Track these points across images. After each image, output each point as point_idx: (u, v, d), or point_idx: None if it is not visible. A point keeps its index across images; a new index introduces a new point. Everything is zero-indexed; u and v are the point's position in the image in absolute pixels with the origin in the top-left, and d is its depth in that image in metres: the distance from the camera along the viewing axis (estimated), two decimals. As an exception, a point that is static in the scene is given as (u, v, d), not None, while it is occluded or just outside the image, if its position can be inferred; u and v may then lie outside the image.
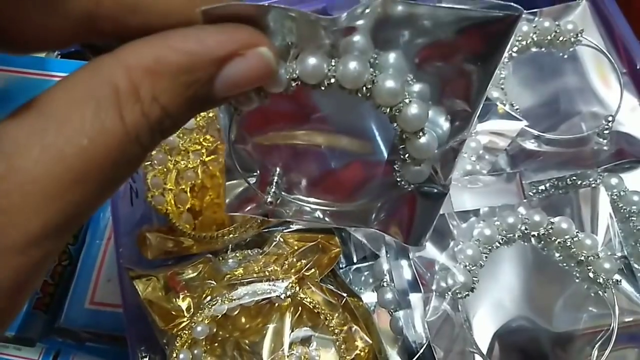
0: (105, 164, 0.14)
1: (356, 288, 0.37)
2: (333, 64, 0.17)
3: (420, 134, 0.18)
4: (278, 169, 0.25)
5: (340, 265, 0.38)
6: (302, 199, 0.25)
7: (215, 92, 0.16)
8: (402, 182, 0.21)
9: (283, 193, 0.24)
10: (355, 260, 0.38)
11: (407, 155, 0.19)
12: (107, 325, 0.42)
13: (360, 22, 0.17)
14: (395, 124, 0.18)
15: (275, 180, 0.24)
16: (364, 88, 0.17)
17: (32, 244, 0.14)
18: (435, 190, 0.22)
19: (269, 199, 0.24)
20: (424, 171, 0.20)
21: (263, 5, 0.16)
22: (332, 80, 0.17)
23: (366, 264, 0.38)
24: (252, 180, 0.25)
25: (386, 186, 0.22)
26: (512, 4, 0.16)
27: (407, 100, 0.18)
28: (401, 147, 0.19)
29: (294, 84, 0.17)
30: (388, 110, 0.18)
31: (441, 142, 0.19)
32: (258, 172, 0.25)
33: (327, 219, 0.26)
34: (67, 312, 0.42)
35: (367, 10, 0.17)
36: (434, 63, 0.18)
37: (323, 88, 0.17)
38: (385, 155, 0.24)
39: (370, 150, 0.24)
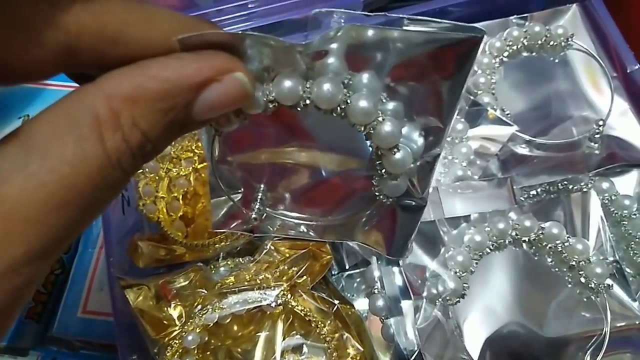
0: (87, 189, 0.15)
1: (348, 295, 0.37)
2: (308, 86, 0.18)
3: (395, 150, 0.19)
4: (262, 186, 0.25)
5: (332, 272, 0.38)
6: (286, 214, 0.26)
7: (194, 116, 0.16)
8: (381, 196, 0.21)
9: (267, 209, 0.25)
10: (347, 267, 0.38)
11: (383, 170, 0.20)
12: (100, 334, 0.42)
13: (333, 45, 0.18)
14: (370, 142, 0.19)
15: (259, 197, 0.24)
16: (339, 108, 0.18)
17: (15, 270, 0.14)
18: (414, 203, 0.22)
19: (254, 215, 0.24)
20: (400, 185, 0.21)
21: (238, 33, 0.16)
22: (308, 102, 0.18)
23: (358, 270, 0.38)
24: (236, 197, 0.25)
25: (367, 200, 0.23)
26: (476, 26, 0.17)
27: (380, 119, 0.18)
28: (378, 162, 0.20)
29: (271, 106, 0.18)
30: (362, 128, 0.18)
31: (416, 156, 0.20)
32: (242, 189, 0.25)
33: (311, 233, 0.26)
34: (60, 321, 0.42)
35: (340, 34, 0.17)
36: (405, 82, 0.19)
37: (299, 109, 0.18)
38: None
39: (355, 164, 0.24)
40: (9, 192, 0.14)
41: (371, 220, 0.24)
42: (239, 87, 0.17)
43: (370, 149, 0.23)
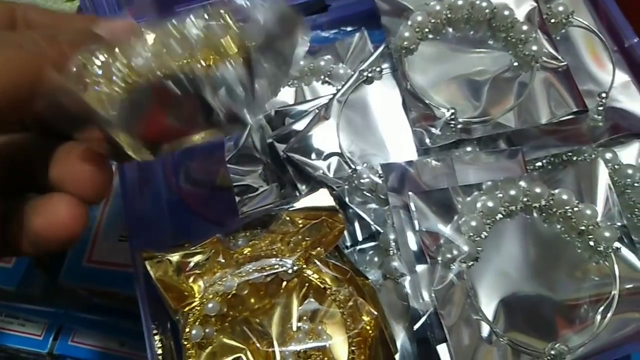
0: None
1: (361, 268, 0.38)
2: None
3: None
4: None
5: (346, 244, 0.39)
6: None
7: None
8: None
9: None
10: (360, 239, 0.38)
11: None
12: (104, 282, 0.44)
13: None
14: None
15: None
16: None
17: None
18: None
19: None
20: None
21: None
22: None
23: (371, 243, 0.39)
24: None
25: None
26: None
27: None
28: None
29: None
30: None
31: None
32: None
33: None
34: (66, 270, 0.45)
35: None
36: None
37: None
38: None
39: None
40: None
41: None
42: None
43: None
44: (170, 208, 0.41)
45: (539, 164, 0.39)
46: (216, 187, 0.43)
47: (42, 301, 0.48)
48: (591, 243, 0.34)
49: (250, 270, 0.33)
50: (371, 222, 0.37)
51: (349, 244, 0.39)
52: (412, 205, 0.33)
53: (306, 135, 0.40)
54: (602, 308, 0.32)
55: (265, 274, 0.33)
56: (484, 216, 0.33)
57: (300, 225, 0.35)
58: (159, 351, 0.35)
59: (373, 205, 0.38)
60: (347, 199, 0.38)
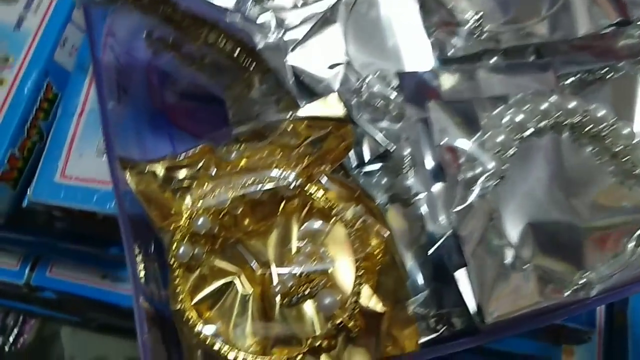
0: None
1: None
2: None
3: None
4: None
5: (351, 165, 0.35)
6: None
7: None
8: None
9: None
10: (366, 160, 0.35)
11: None
12: (79, 200, 0.39)
13: None
14: None
15: None
16: None
17: None
18: None
19: None
20: None
21: None
22: None
23: (379, 164, 0.35)
24: None
25: None
26: None
27: None
28: None
29: None
30: None
31: None
32: None
33: None
34: (36, 186, 0.40)
35: None
36: None
37: None
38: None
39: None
40: None
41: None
42: None
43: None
44: (153, 120, 0.36)
45: (570, 80, 0.35)
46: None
47: (8, 225, 0.43)
48: (627, 166, 0.30)
49: (246, 184, 0.29)
50: (380, 141, 0.33)
51: (354, 165, 0.35)
52: (431, 115, 0.29)
53: (308, 42, 0.35)
54: (635, 235, 0.29)
55: (263, 187, 0.29)
56: (511, 131, 0.29)
57: (303, 137, 0.31)
58: (141, 274, 0.32)
59: (384, 124, 0.34)
60: (354, 115, 0.34)
